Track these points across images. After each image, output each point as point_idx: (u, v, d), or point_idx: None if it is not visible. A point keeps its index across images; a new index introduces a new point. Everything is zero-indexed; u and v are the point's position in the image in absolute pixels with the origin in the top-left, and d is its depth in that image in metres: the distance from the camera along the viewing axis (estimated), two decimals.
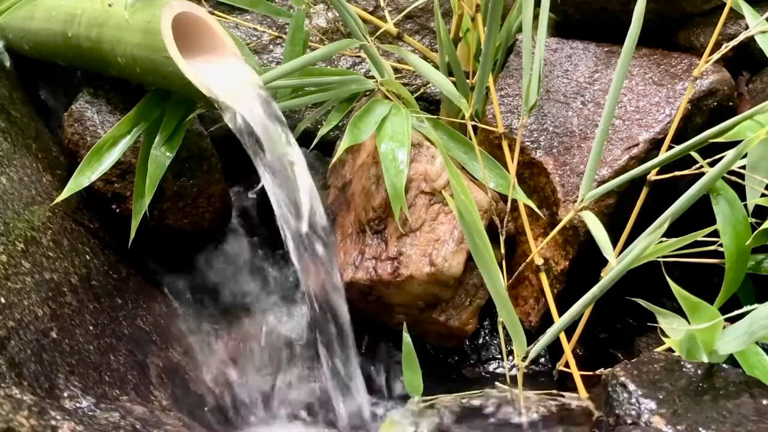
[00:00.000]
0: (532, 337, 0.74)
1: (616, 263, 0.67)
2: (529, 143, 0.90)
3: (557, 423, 0.76)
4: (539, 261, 0.85)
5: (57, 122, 0.97)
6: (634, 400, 0.61)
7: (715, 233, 0.72)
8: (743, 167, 0.71)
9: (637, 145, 0.84)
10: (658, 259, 0.71)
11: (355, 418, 0.86)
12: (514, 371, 0.78)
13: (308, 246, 0.82)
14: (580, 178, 0.82)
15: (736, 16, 0.87)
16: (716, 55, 0.80)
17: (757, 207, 0.73)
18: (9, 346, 0.63)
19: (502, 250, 0.86)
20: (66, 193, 0.83)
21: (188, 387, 0.85)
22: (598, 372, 0.72)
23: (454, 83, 0.91)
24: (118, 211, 0.90)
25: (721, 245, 0.72)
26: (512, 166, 0.87)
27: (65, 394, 0.66)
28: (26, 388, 0.60)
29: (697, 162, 0.74)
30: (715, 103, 0.85)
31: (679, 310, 0.71)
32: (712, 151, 0.72)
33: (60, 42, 0.91)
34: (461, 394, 0.84)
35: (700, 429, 0.57)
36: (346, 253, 0.90)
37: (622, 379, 0.63)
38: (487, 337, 0.97)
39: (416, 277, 0.85)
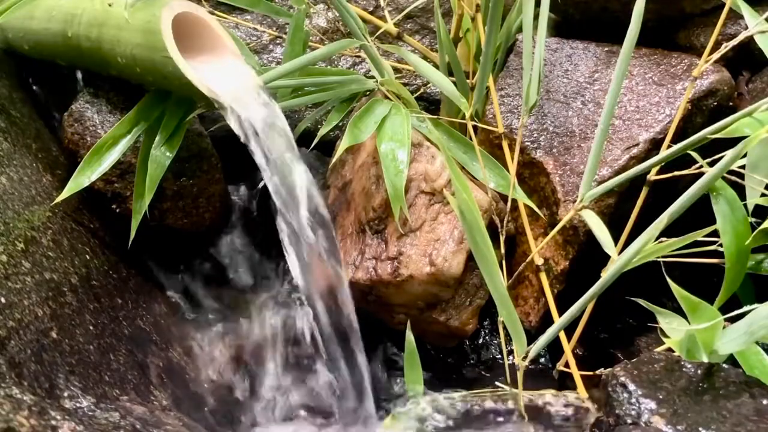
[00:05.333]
0: (532, 336, 0.74)
1: (617, 259, 0.67)
2: (529, 143, 0.90)
3: (557, 423, 0.76)
4: (539, 261, 0.85)
5: (57, 122, 0.97)
6: (634, 400, 0.61)
7: (715, 233, 0.72)
8: (743, 167, 0.71)
9: (637, 145, 0.84)
10: (658, 259, 0.71)
11: (356, 418, 0.86)
12: (514, 371, 0.78)
13: (309, 243, 0.82)
14: (580, 178, 0.82)
15: (736, 16, 0.87)
16: (716, 55, 0.80)
17: (757, 207, 0.72)
18: (9, 346, 0.63)
19: (502, 250, 0.86)
20: (66, 193, 0.83)
21: (188, 387, 0.85)
22: (598, 372, 0.72)
23: (454, 83, 0.91)
24: (118, 211, 0.90)
25: (721, 245, 0.72)
26: (512, 166, 0.87)
27: (65, 394, 0.66)
28: (26, 388, 0.60)
29: (697, 162, 0.74)
30: (715, 103, 0.85)
31: (679, 310, 0.71)
32: (712, 150, 0.72)
33: (60, 42, 0.91)
34: (461, 393, 0.84)
35: (700, 429, 0.57)
36: (346, 253, 0.90)
37: (622, 379, 0.63)
38: (487, 337, 0.97)
39: (416, 277, 0.85)
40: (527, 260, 0.85)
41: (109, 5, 0.85)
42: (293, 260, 0.82)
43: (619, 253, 0.68)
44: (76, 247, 0.83)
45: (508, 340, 0.78)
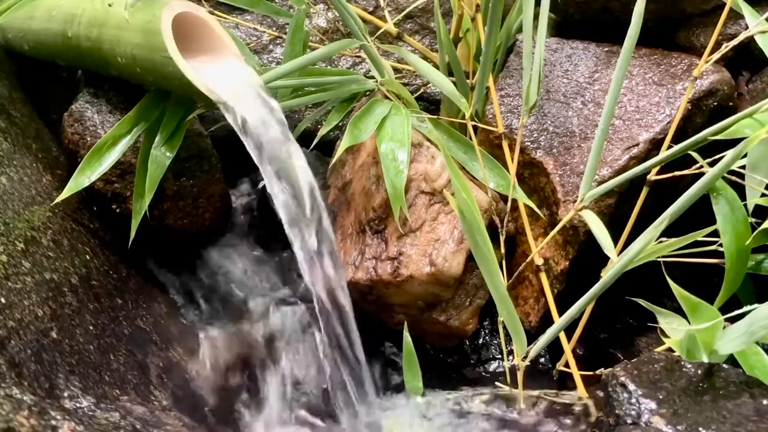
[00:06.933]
0: (532, 337, 0.74)
1: (618, 260, 0.67)
2: (529, 143, 0.90)
3: (557, 423, 0.76)
4: (539, 261, 0.85)
5: (57, 122, 0.97)
6: (634, 400, 0.61)
7: (715, 233, 0.72)
8: (743, 167, 0.71)
9: (637, 145, 0.84)
10: (658, 259, 0.71)
11: (356, 418, 0.86)
12: (514, 371, 0.78)
13: (311, 243, 0.82)
14: (580, 178, 0.82)
15: (736, 16, 0.87)
16: (716, 55, 0.80)
17: (757, 207, 0.72)
18: (9, 346, 0.63)
19: (502, 250, 0.86)
20: (66, 193, 0.83)
21: (188, 387, 0.85)
22: (598, 372, 0.72)
23: (454, 83, 0.91)
24: (118, 211, 0.90)
25: (721, 245, 0.72)
26: (512, 166, 0.87)
27: (65, 394, 0.66)
28: (26, 388, 0.60)
29: (697, 162, 0.74)
30: (715, 103, 0.85)
31: (679, 310, 0.71)
32: (712, 151, 0.72)
33: (60, 42, 0.91)
34: (461, 393, 0.84)
35: (700, 429, 0.57)
36: (346, 253, 0.90)
37: (622, 379, 0.63)
38: (487, 337, 0.97)
39: (416, 277, 0.85)
40: (527, 260, 0.85)
41: (109, 5, 0.85)
42: (299, 259, 0.82)
43: (619, 253, 0.69)
44: (76, 247, 0.83)
45: (508, 340, 0.78)
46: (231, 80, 0.82)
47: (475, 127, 0.91)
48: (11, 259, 0.70)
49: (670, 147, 0.78)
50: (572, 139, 0.88)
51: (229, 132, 0.83)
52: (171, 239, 0.96)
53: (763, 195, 0.71)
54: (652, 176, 0.79)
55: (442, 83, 0.89)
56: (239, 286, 1.02)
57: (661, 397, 0.61)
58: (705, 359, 0.66)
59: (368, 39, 0.91)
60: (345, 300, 0.85)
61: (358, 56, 1.16)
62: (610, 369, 0.65)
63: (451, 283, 0.86)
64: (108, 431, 0.63)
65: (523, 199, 0.87)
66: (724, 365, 0.63)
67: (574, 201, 0.81)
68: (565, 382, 0.81)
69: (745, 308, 0.60)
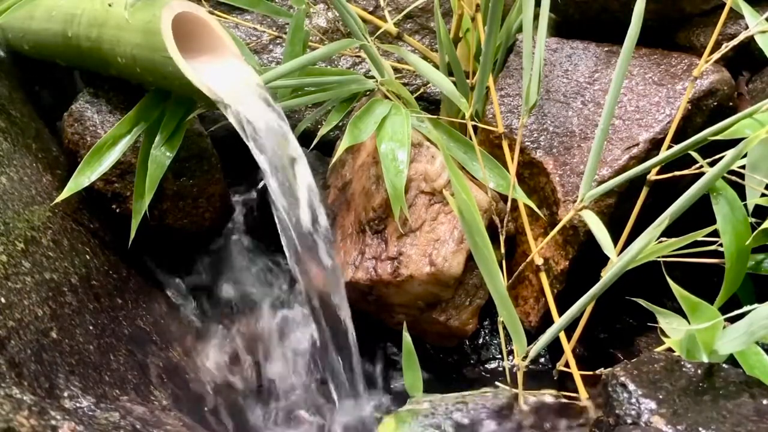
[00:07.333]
0: (532, 336, 0.74)
1: (618, 260, 0.67)
2: (529, 143, 0.90)
3: (557, 423, 0.76)
4: (539, 261, 0.85)
5: (57, 122, 0.97)
6: (634, 400, 0.61)
7: (715, 233, 0.72)
8: (743, 167, 0.71)
9: (637, 145, 0.84)
10: (658, 259, 0.71)
11: (355, 418, 0.86)
12: (514, 371, 0.78)
13: (308, 243, 0.82)
14: (580, 178, 0.82)
15: (736, 16, 0.87)
16: (716, 55, 0.80)
17: (757, 207, 0.72)
18: (9, 346, 0.63)
19: (502, 250, 0.86)
20: (66, 193, 0.83)
21: (188, 387, 0.85)
22: (598, 372, 0.72)
23: (454, 83, 0.91)
24: (118, 211, 0.90)
25: (721, 245, 0.72)
26: (512, 166, 0.87)
27: (65, 394, 0.66)
28: (26, 388, 0.60)
29: (697, 162, 0.74)
30: (715, 103, 0.85)
31: (679, 310, 0.71)
32: (712, 151, 0.72)
33: (60, 42, 0.91)
34: (461, 393, 0.84)
35: (700, 429, 0.57)
36: (346, 253, 0.90)
37: (622, 379, 0.63)
38: (487, 337, 0.97)
39: (416, 277, 0.85)
40: (527, 260, 0.85)
41: (109, 5, 0.85)
42: (292, 260, 0.82)
43: (619, 253, 0.68)
44: (76, 247, 0.83)
45: (508, 340, 0.78)
46: (231, 80, 0.82)
47: (475, 127, 0.91)
48: (11, 259, 0.70)
49: (670, 147, 0.78)
50: (572, 139, 0.88)
51: (229, 132, 0.83)
52: (171, 239, 0.96)
53: (763, 195, 0.71)
54: (652, 176, 0.79)
55: (442, 83, 0.89)
56: (239, 285, 1.02)
57: (661, 397, 0.61)
58: (705, 359, 0.65)
59: (368, 39, 0.91)
60: (343, 300, 0.85)
61: (358, 56, 1.16)
62: (610, 369, 0.65)
63: (451, 283, 0.86)
64: (108, 431, 0.63)
65: (523, 199, 0.87)
66: (724, 365, 0.62)
67: (574, 201, 0.81)
68: (565, 382, 0.81)
69: (745, 308, 0.60)
